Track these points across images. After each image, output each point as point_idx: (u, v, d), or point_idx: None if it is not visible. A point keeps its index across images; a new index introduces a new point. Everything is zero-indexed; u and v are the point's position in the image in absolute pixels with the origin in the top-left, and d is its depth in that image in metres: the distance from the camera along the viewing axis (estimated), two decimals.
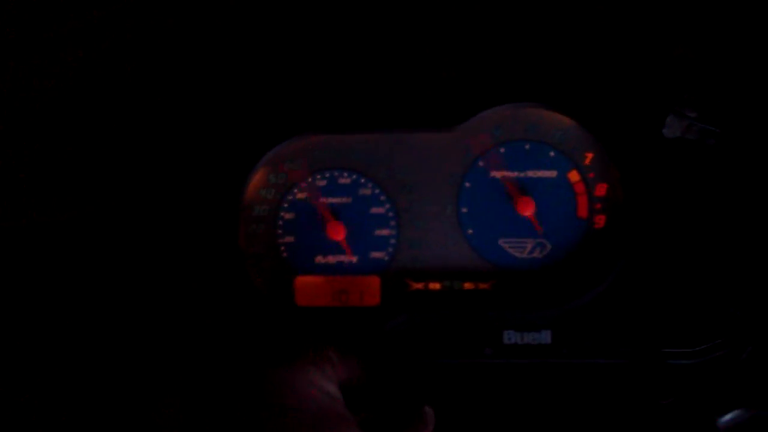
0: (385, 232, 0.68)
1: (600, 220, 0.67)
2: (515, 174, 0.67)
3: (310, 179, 0.68)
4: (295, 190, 0.68)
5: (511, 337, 0.65)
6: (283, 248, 0.68)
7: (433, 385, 0.66)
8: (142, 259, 0.67)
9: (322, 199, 0.68)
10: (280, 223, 0.68)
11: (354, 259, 0.68)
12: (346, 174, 0.68)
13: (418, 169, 0.67)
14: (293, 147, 0.68)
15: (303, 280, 0.68)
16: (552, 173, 0.67)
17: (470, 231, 0.67)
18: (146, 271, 0.67)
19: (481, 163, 0.67)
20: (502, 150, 0.67)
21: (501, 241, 0.68)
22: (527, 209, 0.66)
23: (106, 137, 0.67)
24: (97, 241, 0.67)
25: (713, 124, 0.64)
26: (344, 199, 0.68)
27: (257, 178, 0.68)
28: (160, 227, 0.67)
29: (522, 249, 0.67)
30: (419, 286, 0.68)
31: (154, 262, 0.67)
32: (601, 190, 0.67)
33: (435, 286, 0.68)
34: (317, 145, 0.68)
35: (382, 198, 0.68)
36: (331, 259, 0.68)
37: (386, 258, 0.68)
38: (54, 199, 0.67)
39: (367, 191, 0.68)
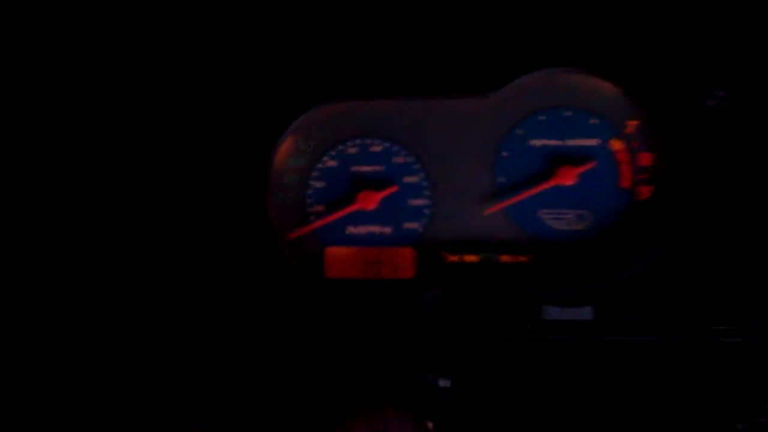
0: (419, 202, 0.65)
1: (644, 191, 0.64)
2: (555, 142, 0.64)
3: (340, 147, 0.65)
4: (325, 158, 0.65)
5: (550, 312, 0.62)
6: (312, 218, 0.66)
7: (467, 363, 0.63)
8: (167, 231, 0.65)
9: (354, 168, 0.65)
10: (310, 192, 0.66)
11: (387, 229, 0.65)
12: (378, 141, 0.65)
13: (453, 136, 0.64)
14: (323, 113, 0.65)
15: (333, 252, 0.65)
16: (594, 141, 0.64)
17: (507, 201, 0.65)
18: (172, 242, 0.64)
19: (519, 131, 0.64)
20: (541, 117, 0.64)
21: (540, 213, 0.65)
22: (568, 179, 0.63)
23: (132, 104, 0.65)
24: (122, 214, 0.65)
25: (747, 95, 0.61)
26: (376, 168, 0.65)
27: (286, 146, 0.65)
28: (187, 198, 0.64)
29: (562, 220, 0.65)
30: (454, 258, 0.65)
31: (180, 235, 0.64)
32: (645, 159, 0.64)
33: (471, 258, 0.65)
34: (348, 111, 0.65)
35: (416, 167, 0.65)
36: (363, 229, 0.65)
37: (420, 229, 0.65)
38: (79, 168, 0.65)
39: (400, 159, 0.65)
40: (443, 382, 0.61)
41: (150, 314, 0.64)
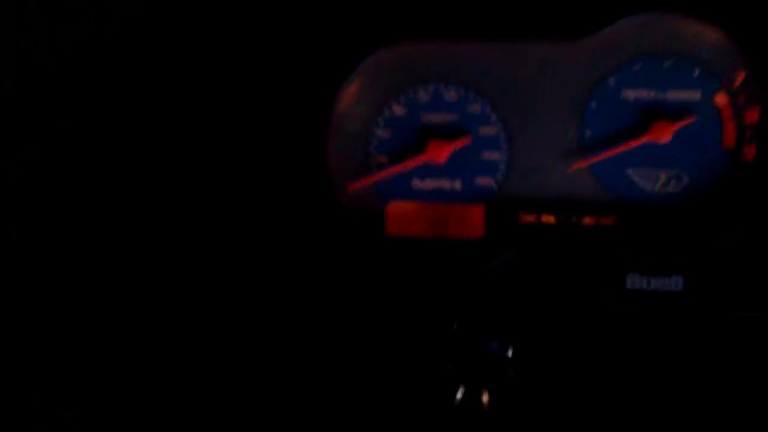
0: (494, 155, 0.60)
1: (749, 152, 0.58)
2: (651, 94, 0.59)
3: (410, 93, 0.60)
4: (393, 105, 0.61)
5: (635, 281, 0.57)
6: (375, 169, 0.61)
7: (537, 334, 0.58)
8: (221, 174, 0.60)
9: (424, 116, 0.60)
10: (374, 141, 0.61)
11: (457, 185, 0.61)
12: (452, 88, 0.60)
13: (538, 84, 0.59)
14: (393, 55, 0.60)
15: (396, 207, 0.61)
16: (695, 95, 0.58)
17: (594, 158, 0.59)
18: (225, 185, 0.60)
19: (611, 81, 0.59)
20: (637, 66, 0.59)
21: (630, 171, 0.59)
22: (664, 135, 0.58)
23: (195, 41, 0.60)
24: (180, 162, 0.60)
25: None
26: (449, 117, 0.60)
27: (350, 90, 0.61)
28: (245, 143, 0.60)
29: (654, 181, 0.59)
30: (530, 218, 0.60)
31: (235, 181, 0.60)
32: (752, 116, 0.58)
33: (549, 219, 0.60)
34: (421, 53, 0.60)
35: (493, 116, 0.60)
36: (430, 183, 0.61)
37: (494, 185, 0.61)
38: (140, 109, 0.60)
39: (476, 108, 0.60)
40: (509, 352, 0.57)
41: (199, 269, 0.60)
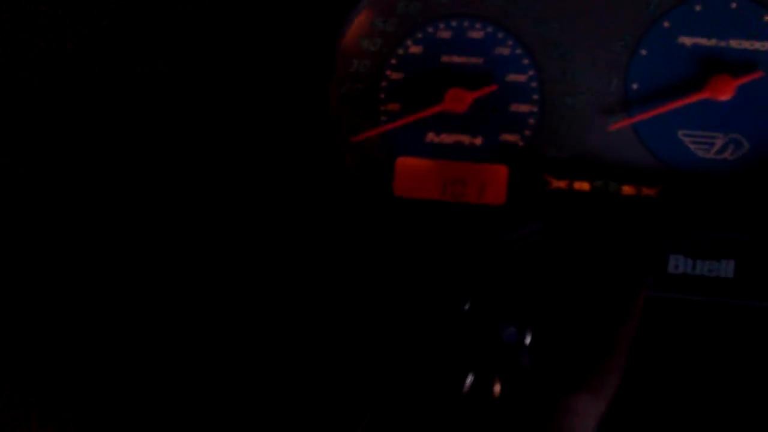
0: (523, 107, 0.52)
1: None
2: (713, 42, 0.51)
3: (429, 29, 0.53)
4: (408, 42, 0.53)
5: (679, 264, 0.51)
6: (385, 118, 0.53)
7: (562, 319, 0.51)
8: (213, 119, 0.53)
9: (444, 57, 0.53)
10: (385, 84, 0.53)
11: (477, 140, 0.53)
12: (478, 25, 0.52)
13: (578, 25, 0.52)
14: None
15: (406, 163, 0.53)
16: (764, 45, 0.51)
17: (640, 115, 0.52)
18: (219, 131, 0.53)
19: (666, 24, 0.51)
20: (698, 7, 0.51)
21: (681, 134, 0.52)
22: (724, 92, 0.50)
23: None
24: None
25: None
26: (473, 59, 0.53)
27: (359, 22, 0.53)
28: (235, 81, 0.53)
29: (709, 146, 0.52)
30: (561, 184, 0.53)
31: (228, 122, 0.53)
32: None
33: (583, 186, 0.53)
34: None
35: (525, 61, 0.52)
36: (447, 137, 0.53)
37: (521, 143, 0.53)
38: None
39: (505, 50, 0.52)
40: (526, 339, 0.51)
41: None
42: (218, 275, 0.54)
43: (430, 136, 0.53)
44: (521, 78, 0.52)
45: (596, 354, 0.45)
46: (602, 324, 0.47)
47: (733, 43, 0.51)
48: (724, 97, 0.50)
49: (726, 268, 0.50)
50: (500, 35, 0.52)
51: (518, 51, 0.52)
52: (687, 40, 0.51)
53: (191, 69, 0.53)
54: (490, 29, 0.52)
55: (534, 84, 0.52)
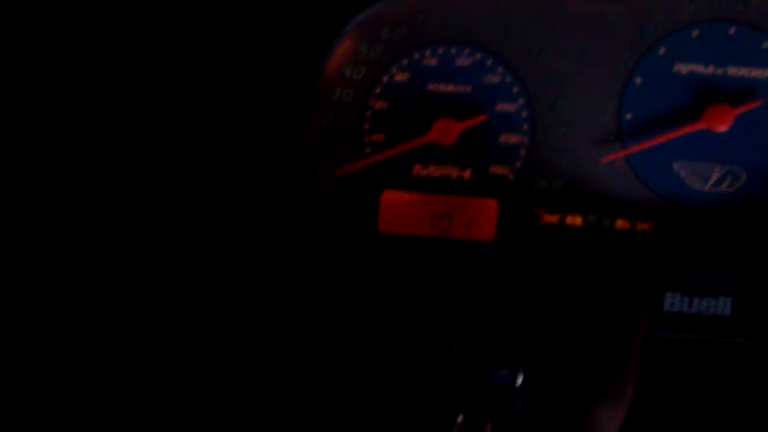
0: (513, 138, 0.50)
1: None
2: (710, 70, 0.49)
3: (416, 56, 0.50)
4: (394, 70, 0.51)
5: (675, 302, 0.49)
6: (369, 150, 0.51)
7: (553, 360, 0.51)
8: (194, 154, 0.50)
9: (431, 86, 0.51)
10: (369, 114, 0.51)
11: (466, 173, 0.51)
12: (467, 52, 0.50)
13: (571, 52, 0.50)
14: (396, 8, 0.50)
15: (391, 197, 0.51)
16: (763, 72, 0.49)
17: (634, 147, 0.50)
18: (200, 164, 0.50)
19: (661, 51, 0.49)
20: (694, 33, 0.49)
21: (677, 165, 0.50)
22: (722, 122, 0.48)
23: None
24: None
25: None
26: (461, 88, 0.50)
27: (341, 49, 0.51)
28: (215, 110, 0.51)
29: (705, 178, 0.50)
30: (552, 218, 0.51)
31: (209, 155, 0.51)
32: None
33: (575, 220, 0.51)
34: (432, 6, 0.50)
35: (515, 89, 0.50)
36: (434, 170, 0.51)
37: (511, 175, 0.51)
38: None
39: (494, 79, 0.50)
40: (517, 381, 0.50)
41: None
42: (201, 316, 0.52)
43: (417, 169, 0.51)
44: (511, 107, 0.50)
45: (610, 370, 0.45)
46: (610, 343, 0.46)
47: (732, 71, 0.49)
48: (722, 127, 0.48)
49: (723, 306, 0.49)
50: (489, 63, 0.50)
51: (508, 79, 0.50)
52: (683, 68, 0.49)
53: (168, 98, 0.50)
54: (478, 56, 0.50)
55: (524, 114, 0.50)
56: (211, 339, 0.52)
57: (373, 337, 0.51)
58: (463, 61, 0.50)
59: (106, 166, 0.51)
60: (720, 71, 0.49)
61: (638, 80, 0.49)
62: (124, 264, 0.51)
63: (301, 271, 0.50)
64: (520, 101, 0.50)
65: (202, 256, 0.51)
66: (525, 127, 0.50)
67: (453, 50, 0.50)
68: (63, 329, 0.52)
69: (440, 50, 0.50)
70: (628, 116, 0.50)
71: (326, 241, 0.50)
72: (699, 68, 0.49)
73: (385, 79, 0.50)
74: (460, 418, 0.49)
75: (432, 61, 0.50)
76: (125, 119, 0.50)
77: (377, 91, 0.51)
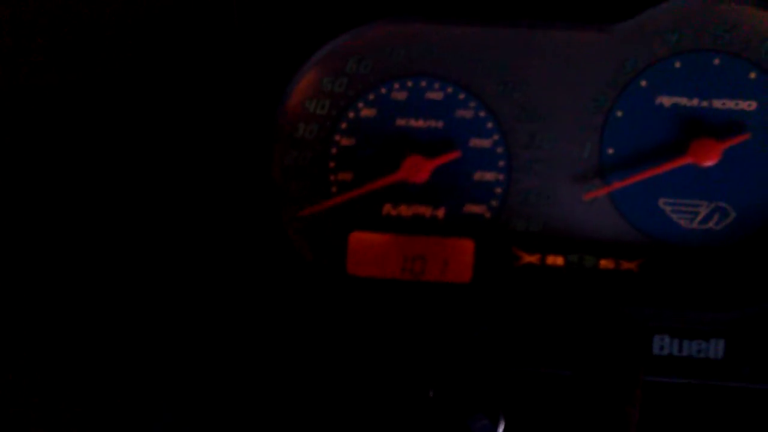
0: (489, 175, 0.49)
1: None
2: (695, 102, 0.48)
3: (383, 90, 0.49)
4: (360, 105, 0.49)
5: (665, 345, 0.47)
6: (335, 189, 0.49)
7: (538, 409, 0.49)
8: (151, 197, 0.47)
9: (400, 121, 0.49)
10: (335, 151, 0.49)
11: (439, 212, 0.50)
12: (437, 85, 0.48)
13: (548, 84, 0.48)
14: (362, 39, 0.48)
15: (360, 238, 0.49)
16: (750, 104, 0.48)
17: (617, 183, 0.48)
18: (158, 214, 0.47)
19: (643, 83, 0.48)
20: (677, 64, 0.48)
21: (662, 202, 0.49)
22: (709, 156, 0.47)
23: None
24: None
25: None
26: (432, 123, 0.49)
27: (304, 82, 0.49)
28: (168, 150, 0.48)
29: (692, 216, 0.49)
30: (532, 259, 0.49)
31: (167, 204, 0.48)
32: None
33: (556, 260, 0.49)
34: (400, 38, 0.48)
35: (490, 125, 0.48)
36: (406, 210, 0.50)
37: (487, 214, 0.49)
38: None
39: (468, 113, 0.49)
40: (498, 430, 0.48)
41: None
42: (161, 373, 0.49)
43: (387, 208, 0.49)
44: (486, 143, 0.49)
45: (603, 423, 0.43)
46: (607, 405, 0.44)
47: (717, 104, 0.47)
48: (709, 162, 0.47)
49: (715, 349, 0.47)
50: (462, 96, 0.48)
51: (482, 113, 0.48)
52: (666, 100, 0.48)
53: (120, 129, 0.48)
54: (450, 89, 0.48)
55: (500, 150, 0.48)
56: (173, 393, 0.49)
57: (344, 386, 0.48)
58: (433, 95, 0.48)
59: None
60: (705, 103, 0.47)
61: (619, 113, 0.48)
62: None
63: (266, 319, 0.47)
64: (495, 137, 0.48)
65: (162, 308, 0.48)
66: (501, 163, 0.48)
67: (423, 83, 0.48)
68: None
69: (409, 84, 0.48)
70: (610, 151, 0.48)
71: (292, 286, 0.47)
72: (683, 101, 0.48)
73: (351, 114, 0.49)
74: None
75: (400, 95, 0.48)
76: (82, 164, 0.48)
77: (343, 126, 0.49)
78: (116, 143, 0.47)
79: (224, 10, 0.47)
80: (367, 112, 0.49)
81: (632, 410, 0.42)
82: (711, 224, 0.48)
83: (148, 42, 0.47)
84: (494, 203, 0.49)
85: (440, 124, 0.49)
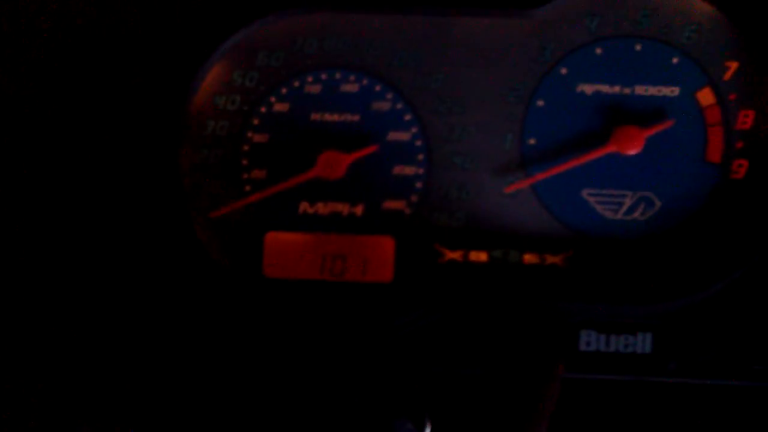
0: (408, 170, 0.49)
1: (740, 167, 0.49)
2: (616, 89, 0.48)
3: (296, 83, 0.48)
4: (272, 99, 0.48)
5: (591, 340, 0.47)
6: (249, 188, 0.48)
7: (464, 410, 0.48)
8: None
9: (315, 115, 0.48)
10: (247, 148, 0.48)
11: (358, 209, 0.49)
12: (352, 77, 0.48)
13: (466, 74, 0.48)
14: (273, 30, 0.47)
15: (276, 238, 0.49)
16: (673, 91, 0.48)
17: (539, 174, 0.48)
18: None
19: (563, 71, 0.48)
20: (598, 51, 0.47)
21: (586, 193, 0.49)
22: (632, 145, 0.47)
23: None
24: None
25: None
26: (348, 117, 0.48)
27: (213, 76, 0.48)
28: (71, 148, 0.46)
29: (617, 206, 0.49)
30: (455, 255, 0.49)
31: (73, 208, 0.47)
32: (745, 120, 0.48)
33: (479, 256, 0.49)
34: (312, 29, 0.48)
35: (408, 117, 0.48)
36: (323, 207, 0.49)
37: (407, 210, 0.49)
38: None
39: (384, 105, 0.48)
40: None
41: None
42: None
43: (303, 207, 0.49)
44: (404, 136, 0.48)
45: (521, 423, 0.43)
46: (519, 403, 0.43)
47: (639, 90, 0.47)
48: (632, 150, 0.47)
49: (643, 343, 0.47)
50: (378, 88, 0.48)
51: (399, 106, 0.48)
52: (587, 88, 0.47)
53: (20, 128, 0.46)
54: (365, 82, 0.48)
55: (419, 143, 0.48)
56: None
57: (265, 393, 0.47)
58: (349, 88, 0.48)
59: None
60: (627, 90, 0.47)
61: (540, 103, 0.47)
62: None
63: (180, 327, 0.46)
64: (414, 129, 0.48)
65: (70, 317, 0.47)
66: (420, 157, 0.48)
67: (337, 75, 0.47)
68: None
69: (323, 76, 0.48)
70: (531, 142, 0.48)
71: (205, 291, 0.46)
72: (604, 88, 0.48)
73: (263, 109, 0.48)
74: None
75: (314, 89, 0.48)
76: None
77: (255, 122, 0.48)
78: (16, 142, 0.45)
79: (126, 2, 0.45)
80: (279, 107, 0.48)
81: (547, 406, 0.41)
82: (636, 215, 0.48)
83: (46, 36, 0.45)
84: (414, 198, 0.48)
85: (356, 117, 0.48)
